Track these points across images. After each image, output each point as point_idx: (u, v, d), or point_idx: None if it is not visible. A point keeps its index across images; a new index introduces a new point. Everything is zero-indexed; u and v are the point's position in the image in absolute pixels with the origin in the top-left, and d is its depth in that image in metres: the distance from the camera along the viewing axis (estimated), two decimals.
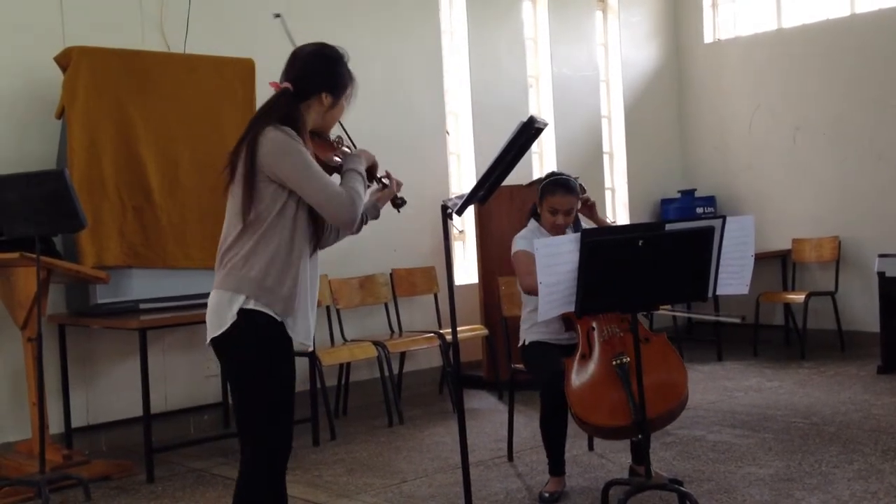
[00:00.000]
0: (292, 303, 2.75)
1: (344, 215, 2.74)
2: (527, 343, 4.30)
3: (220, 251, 2.81)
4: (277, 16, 2.88)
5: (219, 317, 2.74)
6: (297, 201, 2.77)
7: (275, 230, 2.74)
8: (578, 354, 3.93)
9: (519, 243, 4.25)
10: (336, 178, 2.86)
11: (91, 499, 4.46)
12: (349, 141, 3.02)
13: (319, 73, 2.88)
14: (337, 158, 2.95)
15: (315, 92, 2.87)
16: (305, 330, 2.84)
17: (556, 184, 4.22)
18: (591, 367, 3.87)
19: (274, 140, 2.72)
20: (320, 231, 2.88)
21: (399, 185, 3.11)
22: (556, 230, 4.20)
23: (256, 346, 2.74)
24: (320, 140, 2.96)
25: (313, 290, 2.89)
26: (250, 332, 2.72)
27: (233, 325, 2.71)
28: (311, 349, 2.89)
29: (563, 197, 4.19)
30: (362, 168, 2.90)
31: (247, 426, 2.79)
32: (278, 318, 2.74)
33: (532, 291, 3.79)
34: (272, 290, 2.71)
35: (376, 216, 3.09)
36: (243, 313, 2.71)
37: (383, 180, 3.07)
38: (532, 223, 4.34)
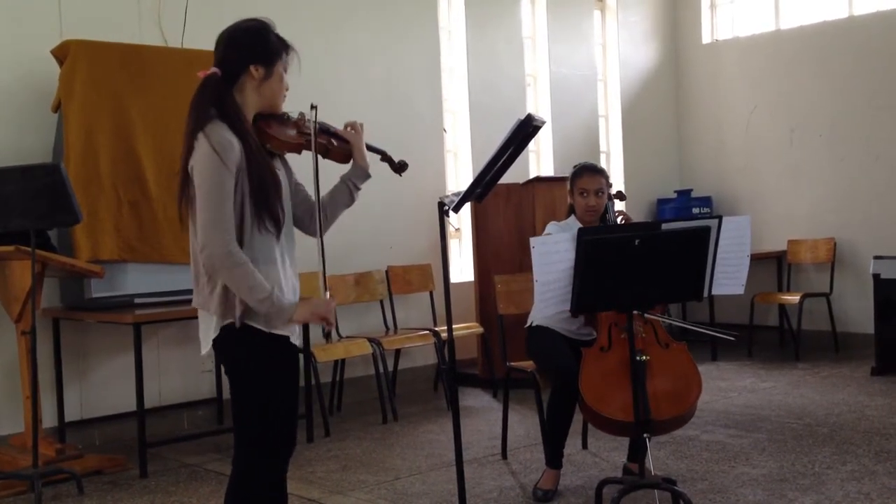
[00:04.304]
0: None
1: (206, 248, 2.51)
2: (533, 325, 4.29)
3: (191, 263, 2.69)
4: (314, 107, 2.77)
5: (205, 331, 2.68)
6: (239, 204, 2.55)
7: None
8: (597, 347, 3.94)
9: (548, 227, 4.33)
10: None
11: (84, 493, 4.46)
12: (314, 119, 2.76)
13: (242, 47, 2.70)
14: (303, 133, 2.75)
15: (242, 68, 2.67)
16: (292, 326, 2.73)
17: (583, 167, 4.37)
18: (610, 361, 3.87)
19: (199, 150, 2.54)
20: (270, 224, 2.62)
21: (355, 131, 2.86)
22: (590, 213, 4.28)
23: (246, 351, 2.65)
24: (273, 120, 2.75)
25: (293, 279, 2.78)
26: (237, 341, 2.63)
27: (215, 339, 2.63)
28: (295, 343, 2.78)
29: (590, 177, 4.29)
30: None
31: (243, 429, 2.72)
32: (261, 328, 2.62)
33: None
34: (240, 303, 2.58)
35: (368, 176, 2.90)
36: (224, 329, 2.62)
37: (337, 136, 2.85)
38: (571, 218, 4.37)
